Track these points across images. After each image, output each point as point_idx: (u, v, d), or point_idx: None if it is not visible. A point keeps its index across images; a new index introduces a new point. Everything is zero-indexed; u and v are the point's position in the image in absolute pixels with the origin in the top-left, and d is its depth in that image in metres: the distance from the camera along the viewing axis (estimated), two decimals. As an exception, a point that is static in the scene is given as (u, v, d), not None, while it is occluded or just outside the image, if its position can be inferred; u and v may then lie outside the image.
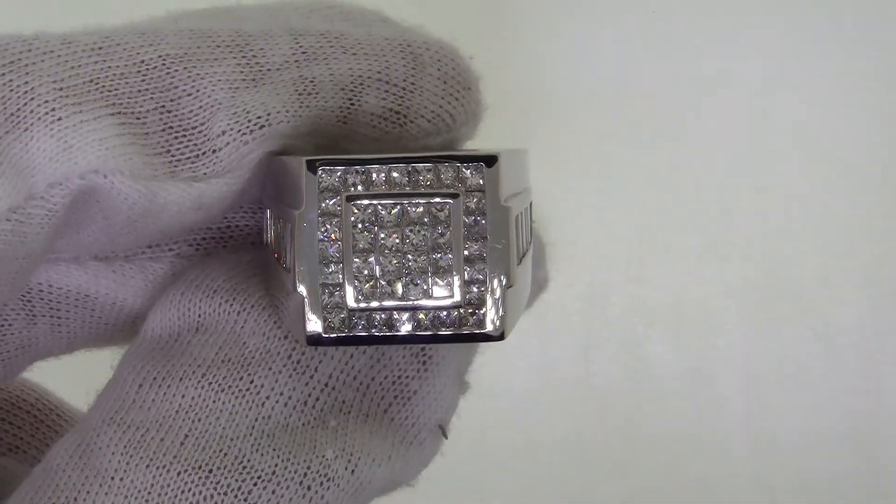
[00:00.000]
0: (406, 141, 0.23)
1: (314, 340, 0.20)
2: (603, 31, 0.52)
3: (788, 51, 0.52)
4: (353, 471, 0.21)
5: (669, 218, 0.53)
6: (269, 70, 0.22)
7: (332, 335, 0.20)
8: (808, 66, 0.52)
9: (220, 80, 0.21)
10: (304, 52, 0.22)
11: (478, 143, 0.25)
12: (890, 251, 0.53)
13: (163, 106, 0.21)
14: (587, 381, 0.54)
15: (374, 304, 0.20)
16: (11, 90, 0.20)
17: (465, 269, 0.20)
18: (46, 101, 0.20)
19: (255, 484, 0.21)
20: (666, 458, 0.54)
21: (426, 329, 0.20)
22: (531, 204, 0.24)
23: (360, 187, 0.20)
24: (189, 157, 0.21)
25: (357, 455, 0.22)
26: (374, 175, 0.20)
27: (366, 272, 0.20)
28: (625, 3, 0.52)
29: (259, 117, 0.22)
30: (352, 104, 0.23)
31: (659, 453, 0.54)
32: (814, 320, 0.53)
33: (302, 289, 0.20)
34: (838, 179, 0.53)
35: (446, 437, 0.23)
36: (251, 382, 0.22)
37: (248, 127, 0.22)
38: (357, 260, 0.20)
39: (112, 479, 0.21)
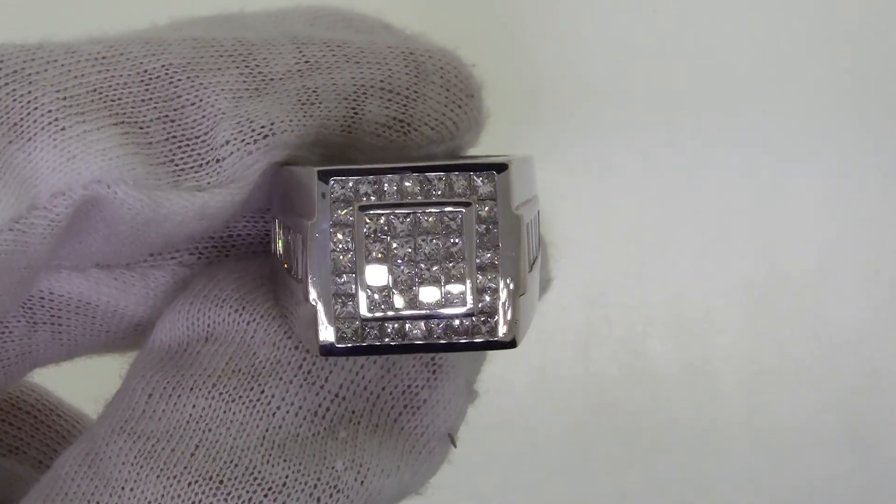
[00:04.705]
0: (410, 149, 0.23)
1: (327, 350, 0.20)
2: (603, 31, 0.52)
3: (788, 50, 0.52)
4: (362, 482, 0.21)
5: (669, 216, 0.53)
6: (272, 80, 0.22)
7: (344, 345, 0.20)
8: (809, 65, 0.52)
9: (223, 90, 0.21)
10: (307, 62, 0.22)
11: (480, 145, 0.25)
12: (890, 250, 0.53)
13: (166, 115, 0.21)
14: (587, 379, 0.54)
15: (387, 313, 0.20)
16: (15, 100, 0.20)
17: (478, 278, 0.20)
18: (50, 111, 0.20)
19: (265, 495, 0.21)
20: (665, 456, 0.54)
21: (439, 338, 0.20)
22: (539, 211, 0.24)
23: (372, 197, 0.20)
24: (192, 167, 0.21)
25: (367, 466, 0.22)
26: (387, 185, 0.20)
27: (378, 282, 0.20)
28: (625, 3, 0.52)
29: (263, 127, 0.22)
30: (355, 113, 0.23)
31: (659, 451, 0.54)
32: (813, 319, 0.54)
33: (314, 299, 0.20)
34: (838, 178, 0.53)
35: (455, 446, 0.23)
36: (262, 393, 0.22)
37: (251, 136, 0.22)
38: (369, 270, 0.20)
39: (122, 489, 0.21)
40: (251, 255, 0.24)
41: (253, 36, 0.22)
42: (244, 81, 0.22)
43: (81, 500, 0.21)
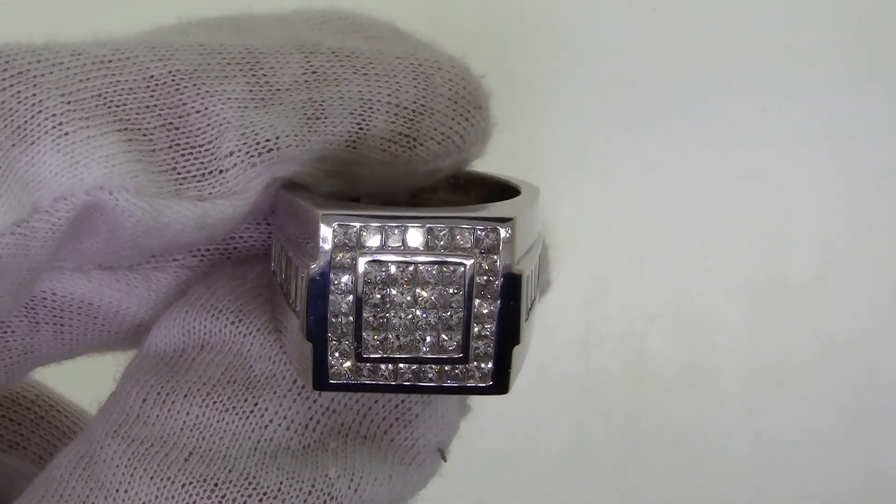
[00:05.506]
0: (416, 164, 0.23)
1: (321, 386, 0.20)
2: (604, 28, 0.52)
3: (789, 48, 0.52)
4: (356, 490, 0.21)
5: (670, 214, 0.53)
6: (278, 90, 0.22)
7: (338, 381, 0.20)
8: (809, 64, 0.52)
9: (229, 99, 0.21)
10: (314, 73, 0.22)
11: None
12: (889, 249, 0.53)
13: (170, 123, 0.21)
14: (587, 377, 0.54)
15: (382, 355, 0.20)
16: (19, 102, 0.19)
17: (474, 327, 0.20)
18: (54, 115, 0.19)
19: (260, 500, 0.21)
20: (665, 454, 0.54)
21: (431, 381, 0.20)
22: (543, 246, 0.24)
23: (375, 244, 0.20)
24: (195, 176, 0.21)
25: (359, 474, 0.22)
26: (389, 234, 0.20)
27: (375, 326, 0.20)
28: (625, 1, 0.52)
29: (268, 140, 0.21)
30: (360, 129, 0.22)
31: (658, 450, 0.54)
32: (813, 317, 0.54)
33: (311, 338, 0.20)
34: (838, 177, 0.53)
35: (445, 461, 0.23)
36: (255, 405, 0.22)
37: (256, 150, 0.21)
38: (367, 314, 0.20)
39: (117, 491, 0.21)
40: (252, 258, 0.24)
41: (260, 43, 0.22)
42: (251, 91, 0.21)
43: (76, 502, 0.21)
